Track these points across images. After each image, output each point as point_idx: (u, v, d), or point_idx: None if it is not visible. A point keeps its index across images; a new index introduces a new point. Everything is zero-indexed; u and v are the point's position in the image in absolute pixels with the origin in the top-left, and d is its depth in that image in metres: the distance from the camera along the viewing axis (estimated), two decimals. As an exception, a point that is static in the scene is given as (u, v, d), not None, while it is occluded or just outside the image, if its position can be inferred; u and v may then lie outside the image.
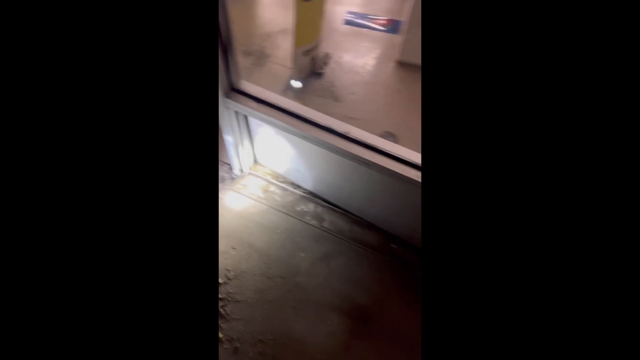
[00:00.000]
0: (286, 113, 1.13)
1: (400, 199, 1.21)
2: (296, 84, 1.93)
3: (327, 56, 2.11)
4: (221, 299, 1.22)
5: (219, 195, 1.48)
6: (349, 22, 2.38)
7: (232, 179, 1.54)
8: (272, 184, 1.54)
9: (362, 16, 2.44)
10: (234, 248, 1.34)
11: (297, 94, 1.91)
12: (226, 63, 1.06)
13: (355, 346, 1.16)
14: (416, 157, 1.01)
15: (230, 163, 1.52)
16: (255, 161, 1.58)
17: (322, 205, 1.49)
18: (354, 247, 1.38)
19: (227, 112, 1.20)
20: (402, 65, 2.12)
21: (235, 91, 1.16)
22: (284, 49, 2.13)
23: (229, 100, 1.15)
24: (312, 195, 1.51)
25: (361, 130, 1.08)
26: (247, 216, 1.43)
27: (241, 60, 1.65)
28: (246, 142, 1.42)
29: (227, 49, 1.03)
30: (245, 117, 1.31)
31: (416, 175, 1.00)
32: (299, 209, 1.47)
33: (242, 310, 1.21)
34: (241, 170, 1.53)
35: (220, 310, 1.20)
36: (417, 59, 2.06)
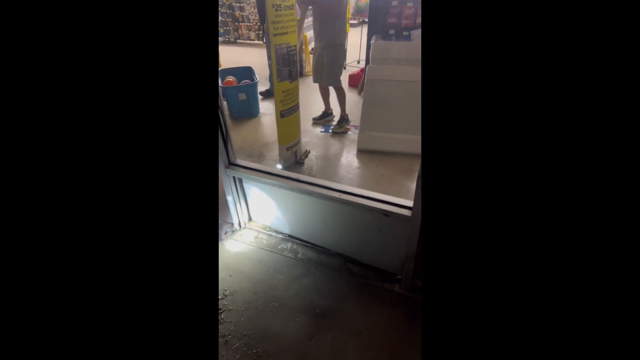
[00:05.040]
0: (265, 173, 1.81)
1: (352, 228, 1.74)
2: (279, 166, 2.69)
3: (306, 151, 2.93)
4: (219, 309, 1.63)
5: (223, 243, 2.03)
6: (323, 131, 3.33)
7: (233, 231, 2.12)
8: (261, 232, 2.09)
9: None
10: (230, 275, 1.81)
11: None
12: (226, 147, 1.81)
13: (317, 335, 1.50)
14: (364, 193, 1.61)
15: (232, 221, 2.12)
16: (250, 219, 2.18)
17: (296, 243, 1.99)
18: (319, 269, 1.82)
19: (227, 178, 1.89)
20: (360, 151, 2.91)
21: (233, 164, 1.88)
22: (276, 150, 2.99)
23: (228, 170, 1.85)
24: (290, 237, 2.03)
25: (325, 180, 1.72)
26: (241, 255, 1.95)
27: (244, 160, 2.40)
28: (242, 202, 2.06)
29: (227, 140, 1.79)
30: (241, 182, 1.98)
31: (360, 201, 1.57)
32: (279, 247, 1.98)
33: (233, 316, 1.60)
34: (239, 225, 2.11)
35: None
36: (369, 146, 2.85)
